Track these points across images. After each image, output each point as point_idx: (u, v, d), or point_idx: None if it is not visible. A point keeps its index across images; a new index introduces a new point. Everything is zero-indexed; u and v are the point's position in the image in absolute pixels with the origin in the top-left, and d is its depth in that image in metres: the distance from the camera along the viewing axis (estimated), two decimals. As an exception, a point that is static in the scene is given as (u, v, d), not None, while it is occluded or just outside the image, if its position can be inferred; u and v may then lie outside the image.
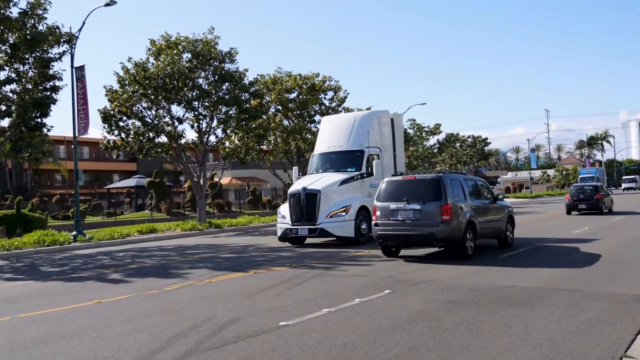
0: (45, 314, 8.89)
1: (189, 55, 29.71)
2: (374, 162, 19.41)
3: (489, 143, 72.93)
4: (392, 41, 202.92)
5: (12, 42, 20.32)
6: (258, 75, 36.65)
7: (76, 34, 23.46)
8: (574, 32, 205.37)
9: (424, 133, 60.05)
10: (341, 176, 19.08)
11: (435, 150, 63.57)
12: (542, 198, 70.62)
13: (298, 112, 37.35)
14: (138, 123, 29.75)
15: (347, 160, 19.81)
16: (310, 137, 37.80)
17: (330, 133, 21.06)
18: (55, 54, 21.41)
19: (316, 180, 19.05)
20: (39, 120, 21.24)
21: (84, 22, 24.95)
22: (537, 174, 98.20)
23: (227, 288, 10.85)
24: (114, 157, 69.71)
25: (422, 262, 13.62)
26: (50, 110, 21.33)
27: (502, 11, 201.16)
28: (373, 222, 14.11)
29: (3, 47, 20.35)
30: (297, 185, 19.25)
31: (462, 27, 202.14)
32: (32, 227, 26.14)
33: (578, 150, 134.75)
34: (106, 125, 29.20)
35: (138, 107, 29.60)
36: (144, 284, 11.58)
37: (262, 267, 13.55)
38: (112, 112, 29.12)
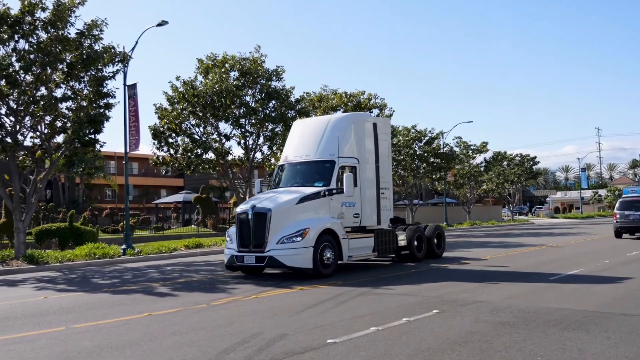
0: (97, 325, 9.10)
1: (237, 74, 30.23)
2: (345, 175, 15.82)
3: (538, 162, 71.44)
4: (439, 59, 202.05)
5: (69, 61, 21.06)
6: (304, 93, 36.91)
7: (129, 53, 24.17)
8: (627, 52, 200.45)
9: (470, 151, 59.32)
10: (303, 192, 15.68)
11: (482, 169, 62.60)
12: (594, 219, 68.77)
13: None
14: (187, 140, 30.35)
15: (315, 172, 16.57)
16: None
17: (299, 140, 17.62)
18: (109, 72, 22.08)
19: (271, 196, 15.86)
20: (92, 136, 21.85)
21: (136, 42, 25.74)
22: (587, 193, 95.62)
23: (273, 304, 10.90)
24: (163, 172, 71.19)
25: (469, 282, 13.42)
26: (103, 127, 21.94)
27: (551, 30, 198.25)
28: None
29: (60, 66, 21.09)
30: (246, 203, 15.90)
31: (511, 46, 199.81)
32: (84, 240, 26.87)
33: (631, 170, 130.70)
34: (156, 142, 29.88)
35: (187, 124, 30.22)
36: (192, 298, 11.73)
37: (307, 284, 13.57)
38: (161, 129, 29.80)
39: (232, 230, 15.82)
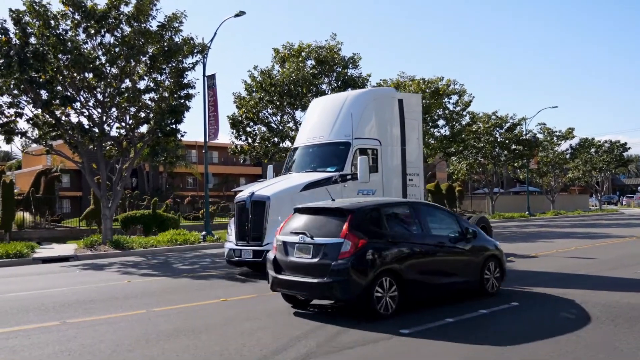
0: (176, 309, 9.37)
1: (313, 62, 30.32)
2: (359, 158, 14.00)
3: (629, 148, 67.69)
4: (521, 43, 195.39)
5: (151, 53, 21.76)
6: (381, 80, 36.59)
7: (208, 44, 24.69)
8: None
9: (554, 138, 57.08)
10: (311, 177, 14.02)
11: (567, 156, 60.08)
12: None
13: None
14: (264, 128, 30.81)
15: (329, 156, 14.80)
16: (433, 142, 37.20)
17: (316, 120, 15.88)
18: (189, 63, 22.63)
19: (274, 183, 14.43)
20: (174, 126, 22.48)
21: (215, 33, 26.27)
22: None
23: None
24: (241, 161, 72.66)
25: (551, 273, 12.91)
26: (184, 117, 22.53)
27: (636, 8, 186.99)
28: None
29: (143, 59, 21.82)
30: (246, 191, 14.32)
31: (596, 29, 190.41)
32: (166, 227, 27.82)
33: None
34: (234, 131, 30.49)
35: (264, 113, 30.66)
36: (268, 285, 11.86)
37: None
38: (240, 118, 30.37)
39: (232, 221, 14.27)
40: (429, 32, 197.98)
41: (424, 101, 36.03)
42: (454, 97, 38.05)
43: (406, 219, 9.18)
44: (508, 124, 47.47)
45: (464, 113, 39.27)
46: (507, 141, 47.60)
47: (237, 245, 13.52)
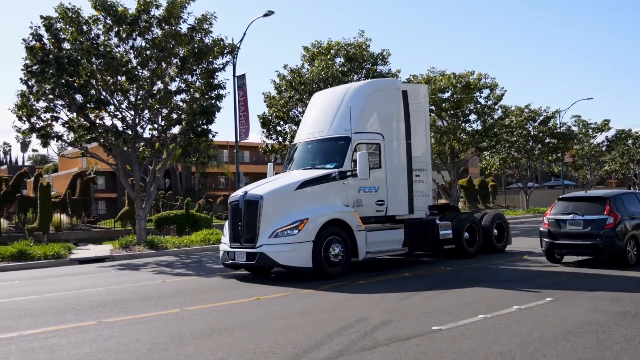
0: (209, 308, 9.47)
1: (342, 60, 30.27)
2: (358, 154, 13.13)
3: (670, 140, 66.01)
4: (553, 34, 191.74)
5: (182, 55, 22.01)
6: (410, 75, 36.34)
7: (238, 45, 24.86)
8: None
9: (590, 130, 55.96)
10: (308, 175, 13.33)
11: (604, 149, 58.80)
12: None
13: (452, 111, 36.47)
14: (294, 127, 30.84)
15: (328, 152, 14.05)
16: (465, 137, 36.81)
17: (317, 114, 15.15)
18: (219, 64, 22.83)
19: (269, 181, 13.95)
20: (205, 126, 22.71)
21: (244, 33, 26.46)
22: None
23: (380, 289, 10.86)
24: (272, 160, 73.07)
25: (585, 268, 12.68)
26: (215, 117, 22.74)
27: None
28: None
29: (174, 61, 22.09)
30: (239, 190, 13.82)
31: (630, 18, 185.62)
32: (199, 227, 28.14)
33: None
34: (265, 130, 30.63)
35: (294, 112, 30.70)
36: (300, 283, 11.91)
37: (416, 269, 13.38)
38: (270, 117, 30.49)
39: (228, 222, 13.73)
40: (459, 26, 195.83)
41: (455, 96, 35.73)
42: (486, 91, 37.58)
43: (633, 202, 13.47)
44: (541, 117, 46.70)
45: (496, 107, 38.76)
46: (540, 134, 46.84)
47: (231, 247, 13.10)
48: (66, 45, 20.69)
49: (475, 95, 36.67)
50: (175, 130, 23.60)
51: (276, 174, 15.64)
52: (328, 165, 13.62)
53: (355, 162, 13.22)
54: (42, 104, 21.04)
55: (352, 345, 6.64)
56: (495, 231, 16.68)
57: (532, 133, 46.66)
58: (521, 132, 45.44)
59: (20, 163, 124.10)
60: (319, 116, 14.95)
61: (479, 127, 37.70)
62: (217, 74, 22.75)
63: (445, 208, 17.68)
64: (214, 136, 23.67)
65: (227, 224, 13.67)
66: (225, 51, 22.86)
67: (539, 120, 46.68)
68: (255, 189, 13.20)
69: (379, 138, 14.09)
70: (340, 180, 13.17)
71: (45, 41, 20.31)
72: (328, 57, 30.11)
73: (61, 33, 20.62)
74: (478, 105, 37.26)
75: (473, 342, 6.64)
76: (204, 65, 22.40)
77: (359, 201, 13.43)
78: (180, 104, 22.82)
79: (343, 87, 16.08)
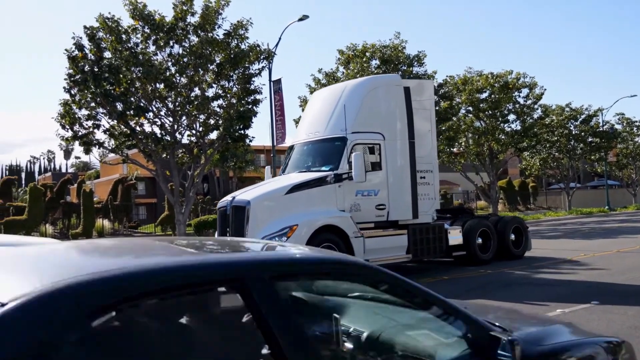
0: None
1: (377, 62, 30.15)
2: (353, 155, 12.27)
3: None
4: (593, 32, 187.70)
5: (218, 61, 22.23)
6: (447, 76, 36.00)
7: (273, 50, 24.99)
8: None
9: (634, 128, 54.47)
10: (301, 178, 12.65)
11: (650, 148, 57.19)
12: None
13: (490, 112, 35.98)
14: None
15: (323, 154, 13.36)
16: (503, 138, 36.25)
17: (314, 114, 14.45)
18: (255, 69, 22.96)
19: (262, 185, 13.45)
20: (242, 131, 22.85)
21: (280, 38, 26.62)
22: None
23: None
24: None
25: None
26: (252, 122, 22.87)
27: None
28: None
29: (211, 67, 22.32)
30: (228, 195, 13.28)
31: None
32: (238, 231, 28.28)
33: None
34: (301, 134, 30.66)
35: (330, 115, 30.70)
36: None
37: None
38: (306, 121, 30.52)
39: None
40: (497, 25, 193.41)
41: (493, 96, 35.22)
42: (525, 91, 36.98)
43: None
44: (583, 116, 45.73)
45: (536, 106, 38.09)
46: (582, 134, 45.88)
47: None
48: (106, 54, 21.13)
49: (513, 94, 36.11)
50: (213, 135, 23.84)
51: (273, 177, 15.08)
52: (323, 168, 12.88)
53: (351, 164, 12.42)
54: (84, 112, 21.51)
55: None
56: (512, 236, 15.72)
57: (573, 132, 45.75)
58: (562, 131, 44.57)
59: (63, 170, 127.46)
60: (316, 116, 14.23)
61: (518, 127, 37.12)
62: (253, 79, 22.89)
63: (459, 211, 17.06)
64: (250, 141, 23.80)
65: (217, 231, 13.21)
66: (261, 56, 22.98)
67: (580, 119, 45.73)
68: (244, 194, 12.68)
69: (378, 138, 13.25)
70: (335, 184, 12.43)
71: (87, 51, 20.77)
72: (363, 59, 30.04)
73: (102, 42, 21.08)
74: (517, 105, 36.67)
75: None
76: (240, 71, 22.56)
77: (357, 205, 12.62)
78: (218, 109, 23.03)
79: (341, 84, 15.36)
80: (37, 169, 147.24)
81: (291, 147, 14.71)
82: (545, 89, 37.70)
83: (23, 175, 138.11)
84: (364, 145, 12.98)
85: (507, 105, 36.13)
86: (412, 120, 13.84)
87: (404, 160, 13.63)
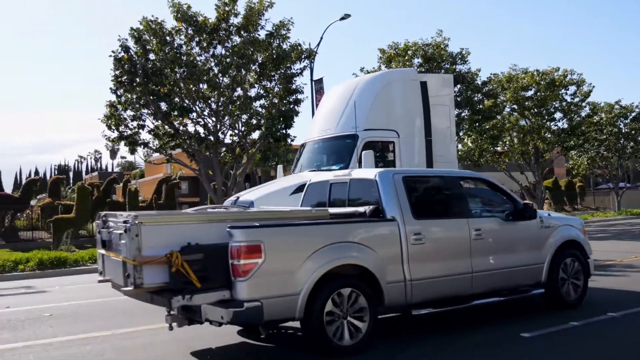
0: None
1: (420, 60, 29.83)
2: (363, 153, 11.36)
3: None
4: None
5: (260, 61, 22.35)
6: (491, 74, 35.32)
7: (315, 49, 25.00)
8: None
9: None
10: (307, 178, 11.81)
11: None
12: None
13: (536, 110, 35.16)
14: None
15: (335, 152, 12.88)
16: (549, 136, 35.42)
17: (326, 111, 13.97)
18: (297, 69, 23.01)
19: (269, 185, 13.04)
20: (284, 131, 22.92)
21: (321, 37, 26.59)
22: None
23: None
24: (351, 163, 72.93)
25: None
26: (294, 122, 22.93)
27: None
28: None
29: (253, 67, 22.46)
30: (234, 195, 13.03)
31: None
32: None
33: None
34: (342, 133, 30.56)
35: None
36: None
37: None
38: (347, 120, 30.40)
39: None
40: (542, 21, 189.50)
41: (538, 94, 34.43)
42: (572, 88, 36.01)
43: None
44: (634, 114, 44.32)
45: (583, 104, 37.04)
46: (633, 132, 44.47)
47: None
48: (151, 55, 21.48)
49: (560, 92, 35.23)
50: (255, 135, 23.98)
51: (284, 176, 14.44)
52: (334, 167, 12.28)
53: (361, 162, 11.63)
54: (129, 112, 21.91)
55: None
56: None
57: (623, 130, 44.39)
58: (611, 129, 43.28)
59: (109, 170, 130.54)
60: (328, 113, 13.74)
61: (565, 126, 36.19)
62: (295, 79, 22.95)
63: None
64: (292, 140, 23.85)
65: None
66: (303, 56, 23.02)
67: (630, 117, 44.35)
68: (249, 193, 12.32)
69: (392, 135, 12.73)
70: None
71: (132, 53, 21.15)
72: (405, 58, 29.77)
73: (147, 44, 21.43)
74: (564, 103, 35.76)
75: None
76: (282, 71, 22.63)
77: None
78: (260, 109, 23.16)
79: (354, 80, 14.77)
80: (84, 169, 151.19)
81: (303, 145, 14.32)
82: (593, 86, 36.61)
83: (71, 174, 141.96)
84: (376, 142, 12.48)
85: (554, 103, 35.25)
86: (429, 116, 13.27)
87: (420, 158, 13.06)
